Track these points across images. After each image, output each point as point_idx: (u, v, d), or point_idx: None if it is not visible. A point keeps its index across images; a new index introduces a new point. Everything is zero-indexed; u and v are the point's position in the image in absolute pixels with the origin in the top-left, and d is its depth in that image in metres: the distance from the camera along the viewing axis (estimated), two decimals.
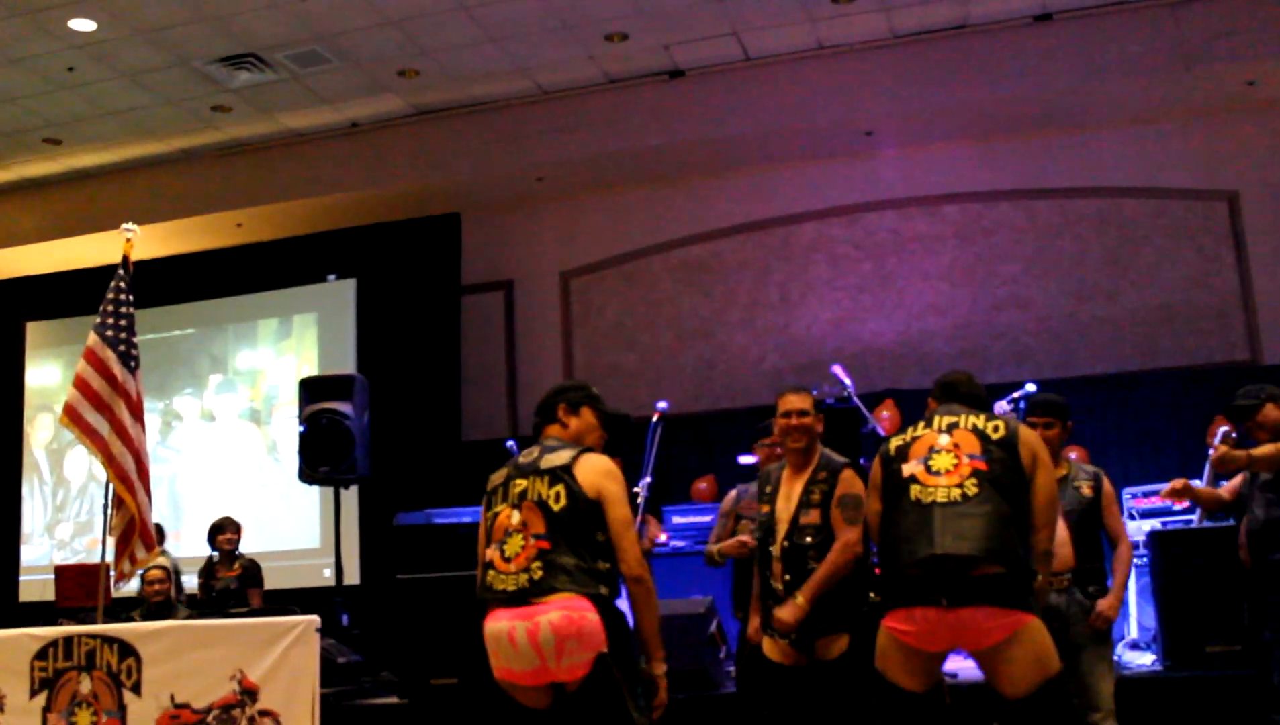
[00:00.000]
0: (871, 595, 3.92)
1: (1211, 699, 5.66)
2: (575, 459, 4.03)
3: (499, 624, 3.89)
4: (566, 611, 3.80)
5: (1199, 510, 6.05)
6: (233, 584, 8.50)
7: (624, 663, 3.91)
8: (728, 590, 5.94)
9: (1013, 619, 3.64)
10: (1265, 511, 5.18)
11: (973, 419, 3.98)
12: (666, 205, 10.63)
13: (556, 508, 3.94)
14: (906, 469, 3.91)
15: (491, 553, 4.02)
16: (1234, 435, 5.60)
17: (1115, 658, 5.75)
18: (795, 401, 5.03)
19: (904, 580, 3.76)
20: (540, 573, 3.87)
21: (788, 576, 4.86)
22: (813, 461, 5.01)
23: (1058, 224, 9.75)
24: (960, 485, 3.78)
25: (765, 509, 5.02)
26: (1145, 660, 6.50)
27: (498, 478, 4.18)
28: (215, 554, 8.65)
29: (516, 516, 3.99)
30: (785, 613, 4.82)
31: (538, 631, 3.80)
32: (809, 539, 4.89)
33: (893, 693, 3.81)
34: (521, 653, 3.83)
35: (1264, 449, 5.04)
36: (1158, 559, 6.22)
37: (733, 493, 5.91)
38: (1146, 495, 7.53)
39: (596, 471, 4.01)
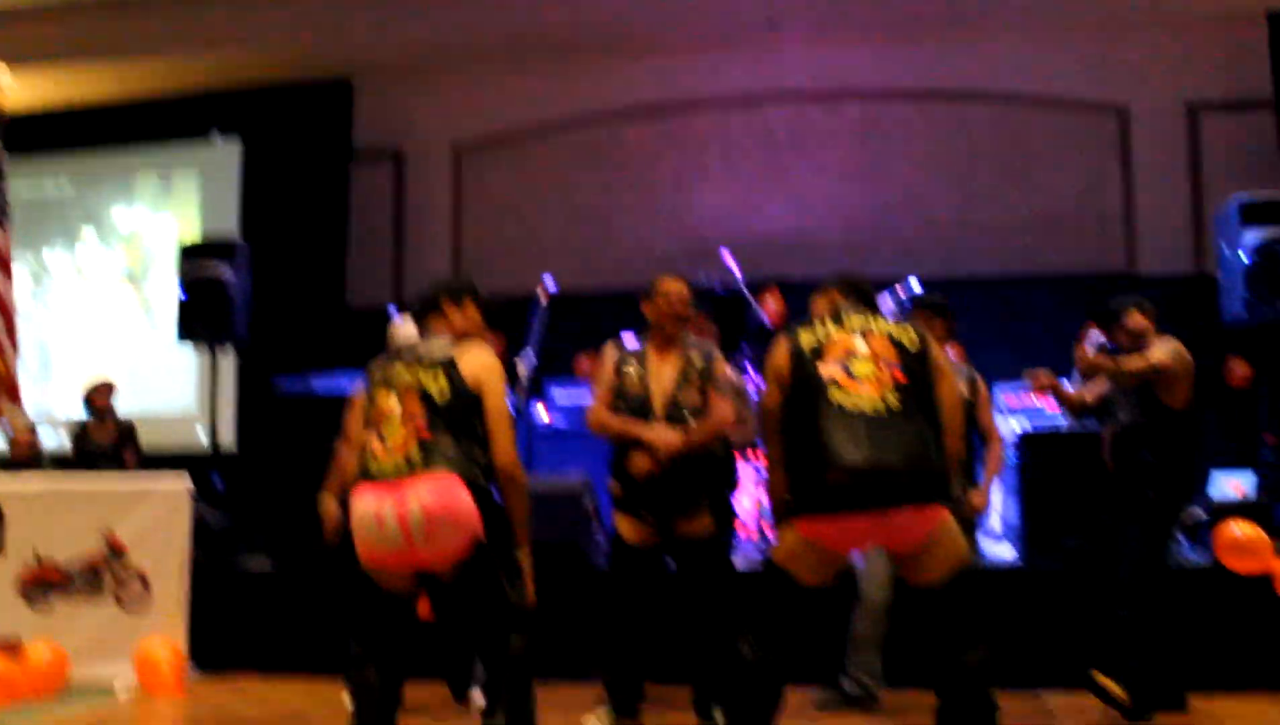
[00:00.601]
0: (786, 497, 3.93)
1: (1064, 592, 5.89)
2: (459, 352, 4.04)
3: (366, 503, 3.86)
4: (438, 493, 3.79)
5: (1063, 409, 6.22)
6: (107, 445, 8.35)
7: (500, 546, 3.94)
8: (602, 469, 5.98)
9: (933, 514, 3.72)
10: (1128, 416, 5.34)
11: (885, 326, 3.93)
12: (565, 84, 10.46)
13: (440, 399, 3.94)
14: (825, 371, 3.82)
15: (372, 440, 3.99)
16: (1105, 341, 5.73)
17: (978, 548, 5.93)
18: (680, 287, 5.14)
19: (827, 485, 3.71)
20: (419, 456, 3.86)
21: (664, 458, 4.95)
22: (680, 344, 5.14)
23: (952, 127, 9.82)
24: (884, 397, 3.75)
25: (634, 384, 5.09)
26: (1005, 552, 6.73)
27: (379, 366, 4.15)
28: (89, 414, 8.47)
29: (398, 404, 3.97)
30: (659, 442, 4.92)
31: (406, 510, 3.77)
32: (690, 417, 5.00)
33: (795, 589, 3.83)
34: (388, 533, 3.80)
35: (1133, 361, 5.15)
36: (1025, 458, 6.41)
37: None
38: (1018, 395, 7.74)
39: (479, 364, 4.01)
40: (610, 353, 5.26)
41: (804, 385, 3.84)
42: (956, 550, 3.78)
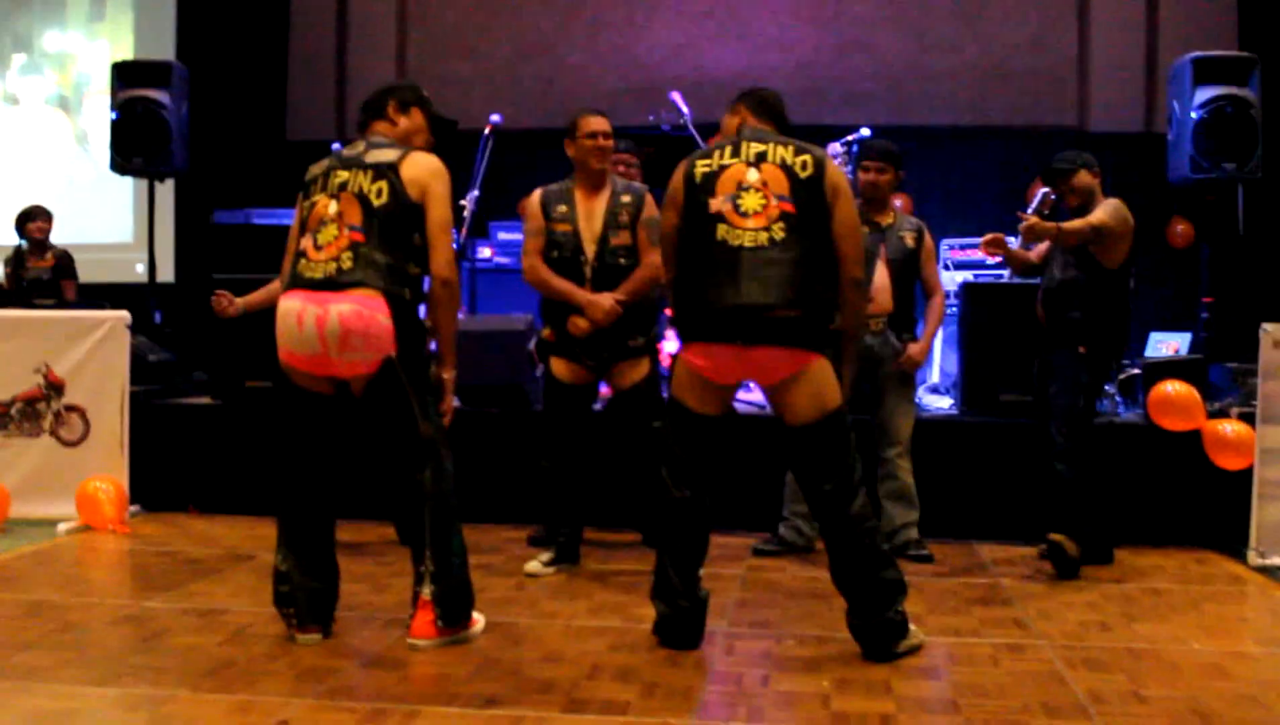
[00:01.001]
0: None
1: (1001, 444, 6.00)
2: (402, 157, 4.01)
3: (291, 303, 3.91)
4: (359, 307, 3.82)
5: (1009, 268, 6.25)
6: (45, 275, 8.20)
7: (413, 368, 3.95)
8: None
9: (800, 358, 3.80)
10: (1061, 272, 5.38)
11: (781, 151, 3.89)
12: None
13: (377, 203, 3.93)
14: (714, 204, 3.85)
15: (305, 241, 4.00)
16: (1053, 197, 5.74)
17: (916, 400, 6.01)
18: (602, 123, 5.12)
19: (702, 317, 3.84)
20: (349, 263, 3.88)
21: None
22: (607, 183, 5.13)
23: None
24: (768, 229, 3.79)
25: (564, 228, 5.06)
26: (944, 404, 6.83)
27: (318, 168, 4.13)
28: (24, 243, 8.27)
29: (334, 207, 3.97)
30: (597, 308, 4.92)
31: (326, 320, 3.83)
32: (621, 260, 5.06)
33: (689, 417, 3.94)
34: (306, 337, 3.87)
35: (1074, 223, 5.16)
36: (966, 310, 6.45)
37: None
38: (964, 248, 7.77)
39: (423, 169, 4.00)
40: (537, 196, 5.21)
41: (694, 216, 3.90)
42: (823, 395, 3.83)
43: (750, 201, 3.83)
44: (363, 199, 3.94)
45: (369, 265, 3.87)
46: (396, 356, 3.89)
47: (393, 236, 3.93)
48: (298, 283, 3.94)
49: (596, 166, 5.12)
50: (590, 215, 5.11)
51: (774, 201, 3.81)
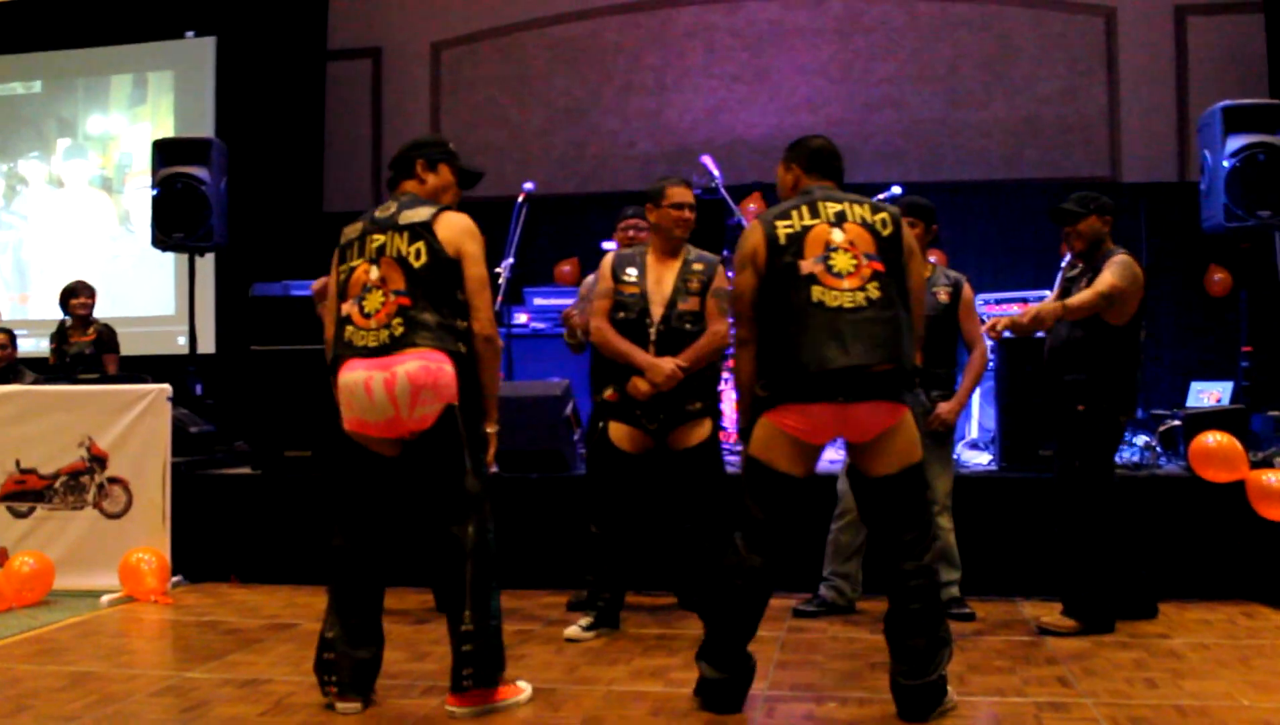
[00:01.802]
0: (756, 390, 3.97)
1: (1041, 499, 5.92)
2: (435, 216, 4.05)
3: (355, 374, 3.96)
4: (424, 362, 3.90)
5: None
6: (87, 349, 8.30)
7: (469, 420, 4.00)
8: (582, 374, 5.98)
9: (897, 410, 3.83)
10: (1067, 331, 5.21)
11: (859, 211, 3.92)
12: None
13: (417, 264, 3.98)
14: (804, 266, 3.83)
15: (350, 308, 4.06)
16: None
17: (955, 456, 5.97)
18: (687, 194, 5.15)
19: (802, 379, 3.80)
20: (401, 329, 3.95)
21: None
22: (682, 251, 5.15)
23: (937, 27, 9.70)
24: (863, 288, 3.81)
25: (632, 291, 5.09)
26: (982, 460, 6.78)
27: (352, 231, 4.18)
28: (68, 319, 8.40)
29: (375, 272, 4.03)
30: (658, 372, 4.94)
31: (394, 381, 3.88)
32: (688, 325, 5.07)
33: (775, 478, 3.88)
34: (377, 403, 3.92)
35: (1081, 298, 4.98)
36: (1002, 365, 6.42)
37: (590, 277, 5.93)
38: (999, 302, 7.74)
39: (457, 229, 4.04)
40: (610, 259, 5.26)
41: (781, 278, 3.87)
42: (913, 447, 3.87)
43: (842, 262, 3.83)
44: (403, 262, 3.99)
45: (420, 327, 3.94)
46: (458, 407, 3.95)
47: (437, 295, 3.98)
48: (354, 352, 4.00)
49: (680, 235, 5.17)
50: (660, 280, 5.13)
51: (864, 261, 3.83)
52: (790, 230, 3.89)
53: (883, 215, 3.93)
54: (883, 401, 3.80)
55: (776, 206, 4.03)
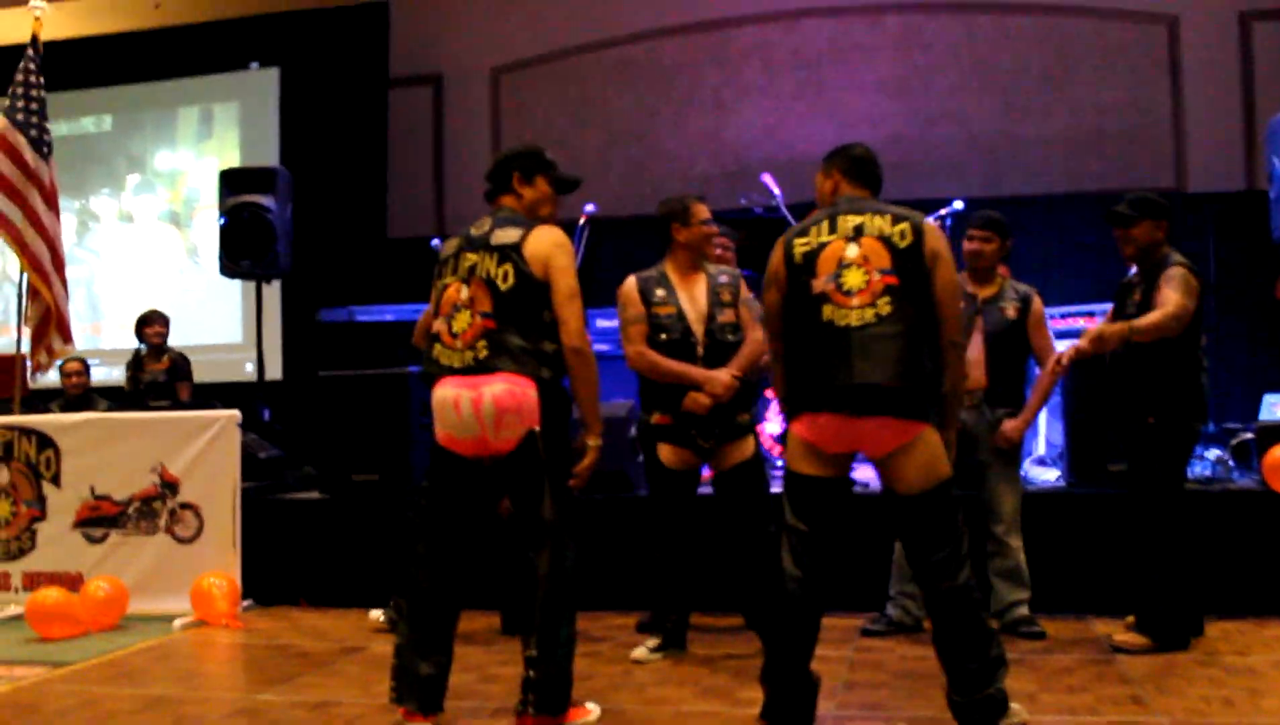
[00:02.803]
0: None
1: (1111, 515, 5.84)
2: (525, 236, 4.05)
3: (446, 391, 4.02)
4: (510, 386, 3.92)
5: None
6: (161, 377, 8.48)
7: (554, 444, 4.00)
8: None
9: (909, 428, 3.75)
10: (1127, 344, 5.01)
11: (879, 222, 3.86)
12: (602, 2, 10.35)
13: (504, 287, 4.00)
14: (816, 285, 3.83)
15: (439, 326, 4.11)
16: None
17: (1022, 473, 5.91)
18: (707, 211, 5.16)
19: (811, 392, 3.82)
20: (486, 352, 3.98)
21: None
22: (702, 267, 5.18)
23: (996, 39, 9.64)
24: (873, 304, 3.77)
25: (668, 311, 5.09)
26: (1050, 476, 6.70)
27: (449, 248, 4.22)
28: (143, 347, 8.58)
29: (465, 292, 4.06)
30: (717, 384, 4.97)
31: (481, 402, 3.92)
32: (730, 336, 5.10)
33: (801, 481, 3.88)
34: (465, 421, 3.96)
35: (1148, 320, 4.86)
36: (1068, 380, 6.34)
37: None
38: (1064, 317, 7.65)
39: (546, 244, 4.04)
40: (633, 283, 5.23)
41: (797, 296, 3.88)
42: (933, 466, 3.79)
43: (853, 279, 3.80)
44: (490, 284, 4.01)
45: (505, 351, 3.96)
46: (539, 432, 3.97)
47: (524, 318, 4.00)
48: (443, 370, 4.06)
49: (708, 251, 5.22)
50: (693, 297, 5.15)
51: (877, 276, 3.79)
52: (806, 248, 3.89)
53: (903, 226, 3.86)
54: (892, 418, 3.74)
55: (801, 222, 4.03)
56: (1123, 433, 5.24)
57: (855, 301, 3.78)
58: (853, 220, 3.89)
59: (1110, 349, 5.01)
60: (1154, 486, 5.05)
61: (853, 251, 3.83)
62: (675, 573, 5.20)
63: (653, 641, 5.20)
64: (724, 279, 5.20)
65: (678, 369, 5.06)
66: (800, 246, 3.91)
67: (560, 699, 4.02)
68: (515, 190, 4.21)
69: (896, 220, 3.88)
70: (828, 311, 3.80)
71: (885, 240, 3.84)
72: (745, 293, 5.22)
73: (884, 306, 3.77)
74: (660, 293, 5.14)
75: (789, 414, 3.95)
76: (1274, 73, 8.98)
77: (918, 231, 3.87)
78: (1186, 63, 9.26)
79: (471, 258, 4.08)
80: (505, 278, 4.00)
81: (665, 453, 5.14)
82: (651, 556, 5.26)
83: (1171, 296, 4.90)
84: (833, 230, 3.90)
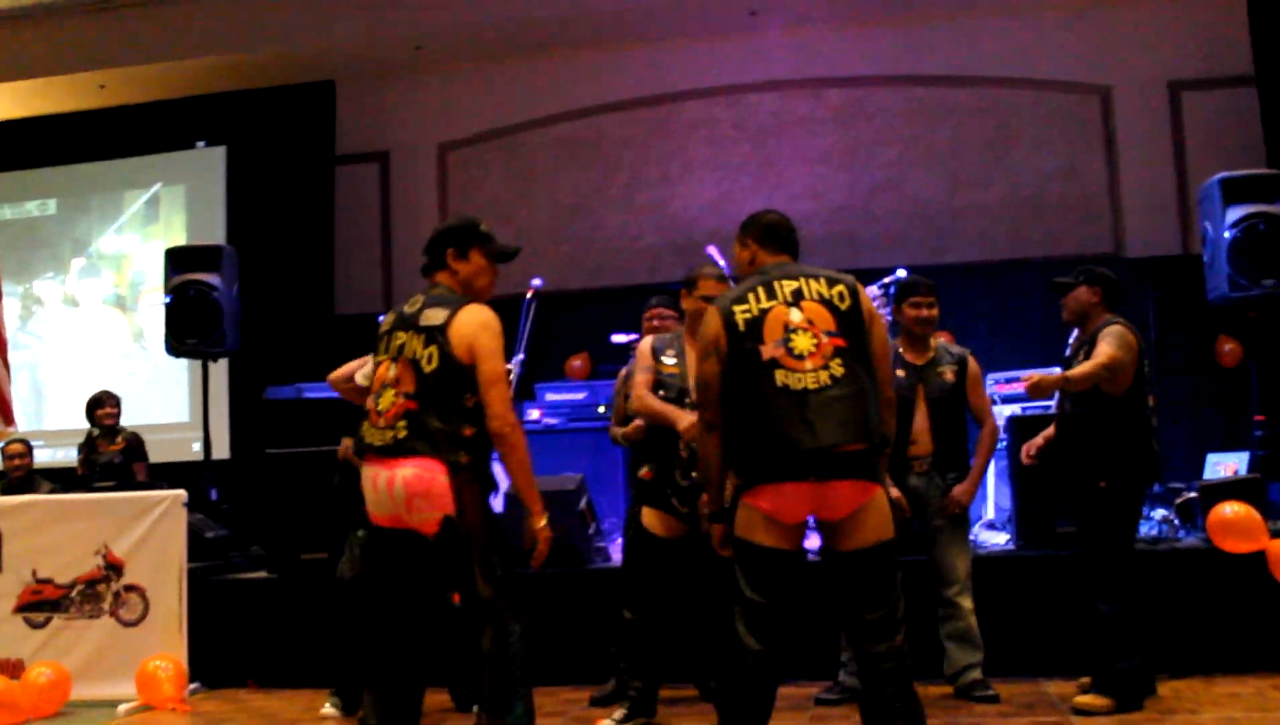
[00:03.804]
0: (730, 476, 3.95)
1: (1059, 576, 5.88)
2: (451, 317, 3.99)
3: (367, 469, 4.00)
4: (419, 470, 3.87)
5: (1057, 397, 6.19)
6: (116, 458, 8.37)
7: (474, 528, 3.92)
8: (596, 468, 5.98)
9: (869, 488, 3.78)
10: (1071, 406, 5.22)
11: (816, 286, 3.89)
12: (548, 79, 10.45)
13: (427, 369, 3.95)
14: (765, 351, 3.81)
15: (369, 402, 4.08)
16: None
17: (972, 537, 5.95)
18: (717, 287, 5.21)
19: (773, 461, 3.77)
20: (405, 432, 3.93)
21: (695, 446, 5.00)
22: None
23: (936, 111, 9.83)
24: (826, 367, 3.78)
25: (673, 370, 5.13)
26: (1000, 539, 6.74)
27: (386, 323, 4.18)
28: (95, 429, 8.48)
29: (393, 371, 4.02)
30: (684, 420, 4.97)
31: (393, 483, 3.89)
32: None
33: (760, 553, 3.83)
34: (382, 499, 3.94)
35: (1081, 370, 4.99)
36: (1015, 443, 6.40)
37: (623, 371, 5.97)
38: (1009, 381, 7.75)
39: (471, 326, 3.97)
40: (649, 343, 5.31)
41: (743, 364, 3.84)
42: (884, 524, 3.81)
43: (802, 343, 3.80)
44: (415, 365, 3.97)
45: (423, 433, 3.91)
46: (456, 516, 3.90)
47: (444, 402, 3.94)
48: (365, 448, 4.02)
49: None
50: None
51: (825, 338, 3.81)
52: (748, 315, 3.87)
53: (839, 288, 3.90)
54: (858, 480, 3.76)
55: (733, 290, 4.02)
56: (1073, 495, 5.29)
57: (809, 365, 3.77)
58: (789, 285, 3.90)
59: (1044, 396, 5.09)
60: (1106, 548, 5.08)
61: (796, 316, 3.84)
62: (647, 639, 5.15)
63: (620, 712, 5.13)
64: None
65: (658, 408, 5.10)
66: (741, 313, 3.88)
67: None
68: (450, 266, 4.16)
69: (831, 282, 3.92)
70: (780, 377, 3.77)
71: (827, 302, 3.86)
72: None
73: (836, 368, 3.77)
74: (670, 352, 5.24)
75: (741, 486, 3.87)
76: (1204, 140, 9.21)
77: (854, 292, 3.91)
78: (1120, 131, 9.48)
79: (401, 337, 4.04)
80: (430, 360, 3.95)
81: (649, 518, 5.13)
82: (626, 622, 5.21)
83: (1103, 348, 5.02)
84: (771, 296, 3.89)
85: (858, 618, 3.83)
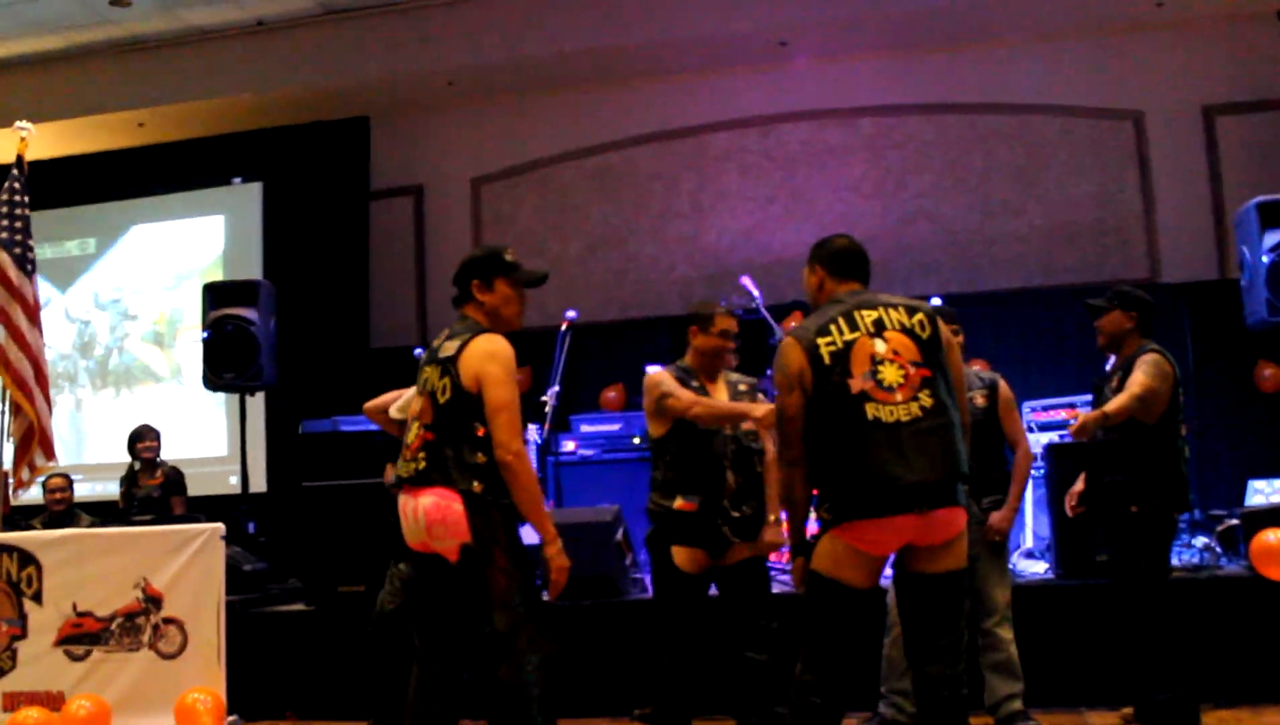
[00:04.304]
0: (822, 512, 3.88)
1: (1100, 605, 5.82)
2: (463, 348, 4.06)
3: (400, 500, 4.14)
4: (437, 499, 3.99)
5: None
6: (155, 492, 8.42)
7: (489, 558, 3.96)
8: (631, 499, 5.96)
9: (963, 515, 3.80)
10: (1104, 433, 5.17)
11: (896, 316, 3.86)
12: (580, 112, 10.52)
13: (442, 400, 4.05)
14: (854, 385, 3.77)
15: (405, 435, 4.19)
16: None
17: (1010, 566, 5.90)
18: (734, 324, 5.18)
19: (872, 495, 3.73)
20: (425, 463, 4.05)
21: (739, 478, 4.97)
22: (722, 373, 5.19)
23: (967, 139, 9.83)
24: (916, 398, 3.76)
25: None
26: (1039, 568, 6.69)
27: (423, 359, 4.25)
28: (136, 463, 8.54)
29: (419, 404, 4.14)
30: (774, 535, 4.99)
31: (418, 512, 4.03)
32: (754, 444, 5.05)
33: (843, 591, 3.80)
34: (411, 527, 4.08)
35: (1118, 403, 4.96)
36: (1053, 471, 6.37)
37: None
38: (1046, 409, 7.71)
39: (479, 356, 4.03)
40: (670, 372, 5.17)
41: (831, 397, 3.80)
42: (965, 550, 3.83)
43: (890, 375, 3.78)
44: (433, 397, 4.07)
45: (439, 463, 4.00)
46: (472, 545, 3.96)
47: (457, 431, 4.01)
48: (398, 480, 4.15)
49: (719, 365, 5.18)
50: (716, 398, 5.13)
51: (912, 370, 3.79)
52: (834, 348, 3.82)
53: (920, 316, 3.88)
54: (954, 507, 3.75)
55: (811, 320, 3.95)
56: (1105, 523, 5.26)
57: (899, 397, 3.75)
58: (870, 314, 3.87)
59: (1090, 435, 5.04)
60: (1139, 576, 5.04)
61: (881, 347, 3.81)
62: (681, 677, 5.13)
63: None
64: (743, 387, 5.16)
65: (727, 406, 5.00)
66: (826, 346, 3.83)
67: None
68: (475, 297, 4.21)
69: (911, 311, 3.90)
70: (871, 410, 3.74)
71: (909, 332, 3.84)
72: (764, 400, 5.17)
73: (925, 399, 3.76)
74: (694, 384, 5.10)
75: (832, 523, 3.81)
76: (1239, 163, 9.16)
77: (933, 320, 3.89)
78: (1154, 157, 9.44)
79: (427, 371, 4.15)
80: (444, 391, 4.03)
81: (678, 556, 5.04)
82: (657, 658, 5.18)
83: (1139, 378, 4.99)
84: (854, 327, 3.85)
85: (931, 642, 3.81)
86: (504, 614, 3.98)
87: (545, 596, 4.22)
